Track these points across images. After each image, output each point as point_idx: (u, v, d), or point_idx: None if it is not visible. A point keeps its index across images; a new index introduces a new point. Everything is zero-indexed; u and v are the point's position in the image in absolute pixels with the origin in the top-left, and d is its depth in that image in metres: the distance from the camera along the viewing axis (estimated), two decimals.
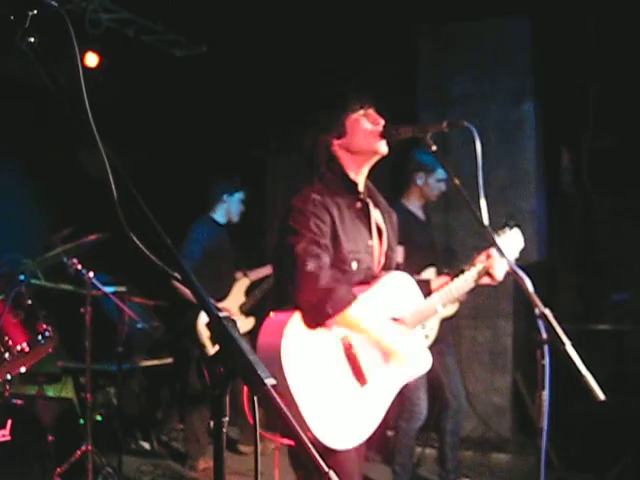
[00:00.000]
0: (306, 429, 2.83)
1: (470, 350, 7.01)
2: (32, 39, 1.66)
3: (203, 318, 6.23)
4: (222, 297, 6.31)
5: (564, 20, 6.69)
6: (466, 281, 3.38)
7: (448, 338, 5.67)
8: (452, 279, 3.40)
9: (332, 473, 1.41)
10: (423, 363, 3.32)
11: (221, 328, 1.46)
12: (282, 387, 2.81)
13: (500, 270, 3.36)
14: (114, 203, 1.53)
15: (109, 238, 5.05)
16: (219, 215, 6.48)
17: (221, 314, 1.48)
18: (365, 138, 3.21)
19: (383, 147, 3.22)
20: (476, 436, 6.88)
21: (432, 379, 5.61)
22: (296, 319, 2.97)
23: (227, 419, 1.50)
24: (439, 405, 5.85)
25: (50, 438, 4.45)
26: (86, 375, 5.12)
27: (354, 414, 3.03)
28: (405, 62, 7.30)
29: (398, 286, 3.30)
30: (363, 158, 3.27)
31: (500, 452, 6.69)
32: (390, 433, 5.98)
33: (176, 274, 1.52)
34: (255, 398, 1.45)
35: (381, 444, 6.36)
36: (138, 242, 1.51)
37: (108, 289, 5.48)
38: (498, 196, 6.42)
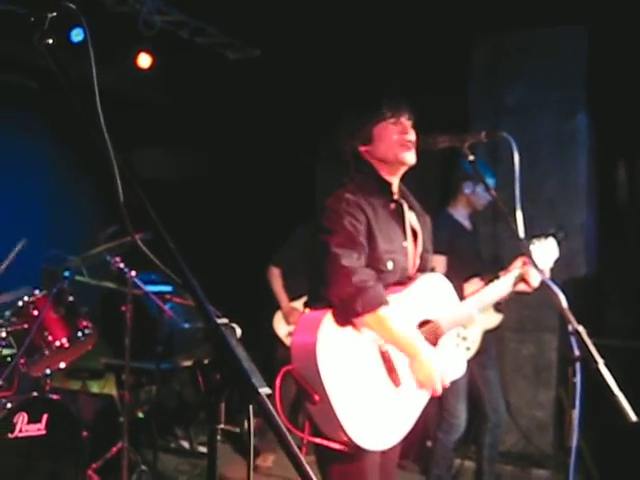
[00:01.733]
0: (339, 428, 2.81)
1: (514, 363, 6.93)
2: (50, 40, 1.68)
3: (278, 316, 6.31)
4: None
5: (621, 31, 6.58)
6: (500, 287, 3.36)
7: (490, 350, 5.59)
8: (486, 284, 3.38)
9: None
10: (458, 367, 3.29)
11: (218, 335, 1.46)
12: (317, 385, 2.80)
13: (535, 277, 3.34)
14: (120, 205, 1.53)
15: (154, 237, 5.08)
16: None
17: (219, 321, 1.48)
18: (391, 148, 3.19)
19: (409, 158, 3.20)
20: (517, 451, 6.78)
21: (472, 391, 5.56)
22: (330, 317, 2.96)
23: (222, 426, 1.49)
24: (478, 418, 5.79)
25: (85, 434, 4.50)
26: (125, 373, 5.15)
27: (387, 415, 3.01)
28: (459, 71, 7.24)
29: (433, 288, 3.29)
30: (389, 167, 3.25)
31: (540, 468, 6.59)
32: (429, 444, 5.94)
33: (177, 278, 1.51)
34: (250, 407, 1.44)
35: (420, 454, 6.33)
36: (142, 245, 1.51)
37: (150, 288, 5.51)
38: (547, 209, 6.34)
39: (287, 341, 6.19)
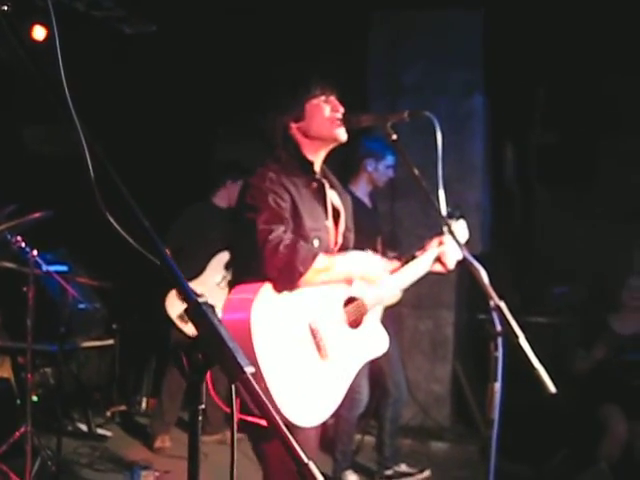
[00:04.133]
0: (272, 405, 2.80)
1: (411, 339, 7.07)
2: (5, 7, 1.60)
3: (171, 296, 6.20)
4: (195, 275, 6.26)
5: (515, 15, 6.75)
6: (420, 266, 3.39)
7: (390, 326, 5.66)
8: (403, 264, 3.42)
9: (312, 464, 1.40)
10: (381, 343, 3.35)
11: (200, 314, 1.44)
12: (250, 361, 2.78)
13: (452, 258, 3.40)
14: (91, 182, 1.48)
15: (53, 216, 4.96)
16: (220, 199, 6.60)
17: (200, 299, 1.45)
18: (323, 124, 3.21)
19: (342, 135, 3.23)
20: (415, 424, 6.94)
21: (373, 367, 5.63)
22: (264, 293, 2.95)
23: (203, 406, 1.48)
24: (379, 393, 5.89)
25: None
26: (27, 355, 4.99)
27: (318, 392, 3.03)
28: (356, 51, 7.29)
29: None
30: (320, 144, 3.27)
31: (438, 440, 6.77)
32: (330, 421, 5.99)
33: (153, 257, 1.48)
34: (233, 386, 1.43)
35: (321, 430, 6.38)
36: (115, 224, 1.47)
37: (52, 268, 5.36)
38: (445, 187, 6.44)
39: (179, 323, 6.09)
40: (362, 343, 3.25)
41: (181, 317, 6.09)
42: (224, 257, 6.32)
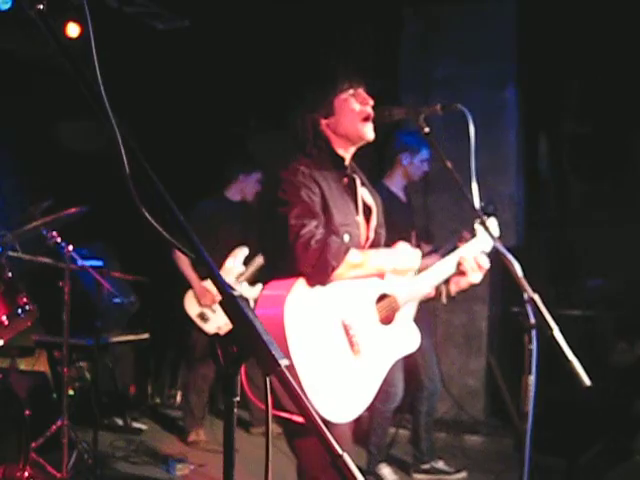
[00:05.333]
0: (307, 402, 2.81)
1: (445, 333, 7.05)
2: (41, 6, 1.62)
3: (190, 295, 6.23)
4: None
5: (548, 6, 6.70)
6: (452, 262, 3.37)
7: (425, 321, 5.66)
8: (441, 257, 3.40)
9: (346, 455, 1.40)
10: (413, 340, 3.34)
11: (235, 306, 1.44)
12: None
13: (474, 275, 3.36)
14: (125, 177, 1.49)
15: (89, 211, 5.01)
16: (233, 193, 6.62)
17: (235, 292, 1.46)
18: (352, 120, 3.20)
19: (370, 133, 3.22)
20: (449, 418, 6.93)
21: (408, 361, 5.63)
22: (297, 289, 2.95)
23: (238, 399, 1.48)
24: (414, 387, 5.88)
25: (27, 412, 4.40)
26: (63, 349, 5.04)
27: (350, 387, 3.03)
28: (389, 44, 7.27)
29: None
30: (348, 141, 3.26)
31: (473, 434, 6.75)
32: (364, 414, 6.00)
33: (188, 252, 1.49)
34: (268, 379, 1.43)
35: (355, 425, 6.39)
36: (151, 219, 1.48)
37: (87, 263, 5.41)
38: (478, 180, 6.42)
39: (199, 322, 6.11)
40: (394, 340, 3.24)
41: (200, 316, 6.12)
42: (242, 253, 6.34)
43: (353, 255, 3.03)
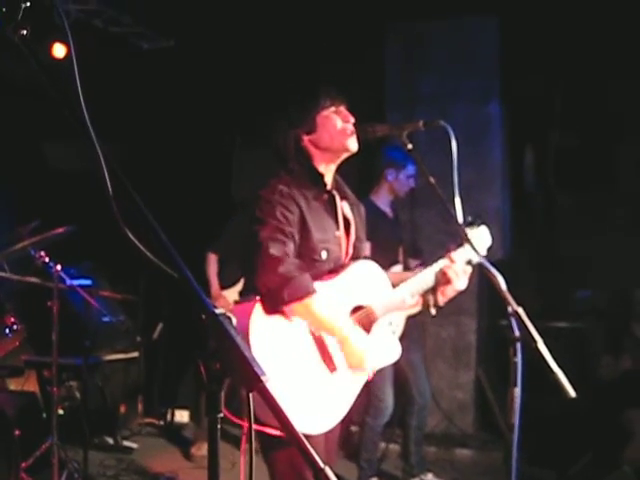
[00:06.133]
0: None
1: (434, 346, 7.07)
2: (24, 32, 1.65)
3: None
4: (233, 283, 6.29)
5: (530, 21, 6.77)
6: (430, 275, 3.38)
7: (414, 334, 5.69)
8: (421, 270, 3.41)
9: (328, 469, 1.42)
10: (392, 352, 3.35)
11: (217, 324, 1.47)
12: None
13: (457, 282, 3.34)
14: (109, 198, 1.52)
15: (76, 230, 5.02)
16: None
17: (217, 311, 1.49)
18: (335, 135, 3.23)
19: (353, 145, 3.24)
20: (439, 432, 6.94)
21: (398, 375, 5.67)
22: (259, 306, 2.99)
23: (222, 415, 1.50)
24: (404, 401, 5.90)
25: (17, 432, 4.41)
26: (52, 369, 5.04)
27: (324, 399, 3.05)
28: (373, 61, 7.32)
29: (365, 274, 3.32)
30: (332, 155, 3.29)
31: (463, 447, 6.75)
32: (354, 429, 6.02)
33: (171, 271, 1.51)
34: (250, 395, 1.46)
35: (345, 440, 6.41)
36: (133, 238, 1.50)
37: (76, 282, 5.42)
38: (464, 195, 6.43)
39: None
40: (372, 353, 3.23)
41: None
42: None
43: (316, 302, 3.01)
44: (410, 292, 3.34)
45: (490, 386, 6.88)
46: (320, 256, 3.18)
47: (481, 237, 3.55)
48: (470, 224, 3.54)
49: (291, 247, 3.07)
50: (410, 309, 5.32)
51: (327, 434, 3.13)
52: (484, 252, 3.54)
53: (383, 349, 3.30)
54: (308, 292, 2.99)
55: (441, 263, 3.39)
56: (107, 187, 1.53)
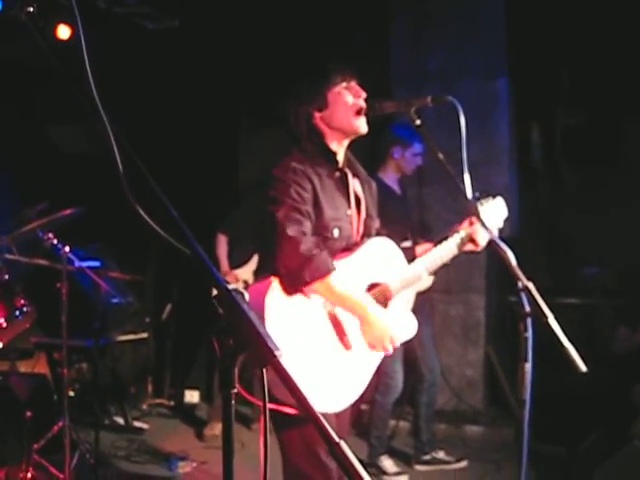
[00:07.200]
0: None
1: (443, 324, 7.07)
2: (31, 9, 1.64)
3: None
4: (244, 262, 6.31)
5: None
6: (450, 247, 3.38)
7: (423, 311, 5.69)
8: (435, 245, 3.41)
9: (343, 443, 1.42)
10: (409, 328, 3.35)
11: (230, 300, 1.46)
12: None
13: (483, 236, 3.38)
14: (119, 174, 1.51)
15: (84, 212, 5.02)
16: None
17: (230, 286, 1.48)
18: (346, 113, 3.21)
19: (363, 127, 3.24)
20: (449, 409, 6.95)
21: (407, 352, 5.67)
22: (275, 286, 2.99)
23: (236, 391, 1.50)
24: (414, 378, 5.92)
25: (28, 414, 4.43)
26: (62, 351, 5.06)
27: (340, 378, 3.06)
28: (380, 38, 7.28)
29: (380, 251, 3.32)
30: (342, 134, 3.28)
31: (473, 424, 6.77)
32: (364, 406, 6.03)
33: (183, 247, 1.51)
34: (264, 370, 1.46)
35: (355, 417, 6.43)
36: (144, 215, 1.50)
37: (84, 264, 5.43)
38: (471, 171, 6.43)
39: None
40: (392, 328, 3.25)
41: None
42: None
43: (336, 280, 3.01)
44: (425, 267, 3.34)
45: (499, 363, 6.89)
46: (332, 234, 3.17)
47: (497, 209, 3.56)
48: (476, 200, 3.53)
49: (308, 225, 3.08)
50: (421, 285, 5.35)
51: (339, 414, 3.14)
52: (501, 224, 3.55)
53: (400, 325, 3.30)
54: (329, 270, 2.99)
55: (457, 237, 3.39)
56: (117, 164, 1.52)
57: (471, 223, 3.40)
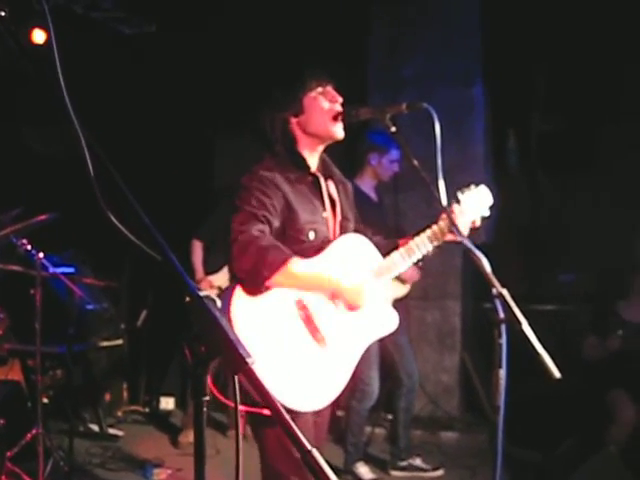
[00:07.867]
0: None
1: (419, 330, 7.08)
2: (2, 13, 1.62)
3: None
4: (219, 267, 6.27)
5: (512, 2, 6.76)
6: (428, 237, 3.34)
7: (400, 317, 5.68)
8: (413, 237, 3.38)
9: (315, 451, 1.41)
10: (389, 322, 3.34)
11: (202, 307, 1.45)
12: None
13: (464, 224, 3.35)
14: (91, 180, 1.50)
15: (58, 218, 4.98)
16: None
17: (201, 293, 1.47)
18: (322, 118, 3.20)
19: (339, 132, 3.23)
20: (425, 415, 6.96)
21: (384, 358, 5.68)
22: (239, 291, 2.98)
23: (207, 398, 1.49)
24: (392, 384, 5.92)
25: (1, 421, 4.39)
26: (36, 358, 5.02)
27: (316, 376, 3.04)
28: (356, 45, 7.30)
29: (352, 245, 3.31)
30: (318, 140, 3.27)
31: (448, 430, 6.79)
32: (340, 413, 6.02)
33: (154, 253, 1.50)
34: (236, 377, 1.45)
35: (332, 424, 6.40)
36: (116, 221, 1.49)
37: (59, 270, 5.39)
38: (446, 177, 6.45)
39: None
40: (365, 323, 3.23)
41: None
42: None
43: (296, 265, 2.99)
44: (400, 254, 3.30)
45: (475, 369, 6.91)
46: (307, 237, 3.17)
47: (481, 197, 3.53)
48: (476, 184, 3.51)
49: (263, 228, 3.05)
50: (398, 292, 5.33)
51: (316, 419, 3.13)
52: (487, 211, 3.53)
53: (379, 320, 3.29)
54: (285, 258, 2.96)
55: (435, 228, 3.35)
56: (89, 169, 1.51)
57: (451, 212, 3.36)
